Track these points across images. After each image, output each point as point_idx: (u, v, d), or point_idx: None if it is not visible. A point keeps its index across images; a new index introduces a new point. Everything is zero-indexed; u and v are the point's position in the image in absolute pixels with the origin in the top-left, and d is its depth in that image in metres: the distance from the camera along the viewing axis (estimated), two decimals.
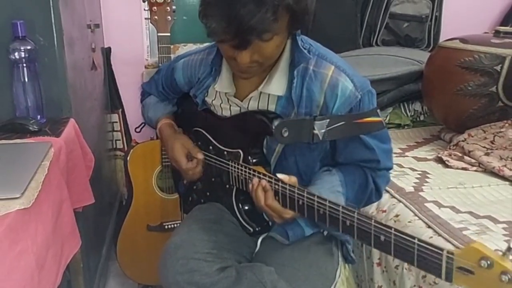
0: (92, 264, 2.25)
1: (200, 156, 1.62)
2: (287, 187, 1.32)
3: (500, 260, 0.90)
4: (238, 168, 1.50)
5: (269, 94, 1.45)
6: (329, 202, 1.22)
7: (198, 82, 1.62)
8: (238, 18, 1.16)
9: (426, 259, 1.02)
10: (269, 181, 1.37)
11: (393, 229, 1.08)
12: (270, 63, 1.40)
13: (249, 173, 1.45)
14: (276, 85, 1.42)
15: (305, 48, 1.41)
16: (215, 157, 1.61)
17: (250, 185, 1.43)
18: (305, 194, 1.28)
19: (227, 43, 1.28)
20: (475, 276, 0.94)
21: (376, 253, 1.91)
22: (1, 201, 1.09)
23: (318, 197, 1.25)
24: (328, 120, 1.35)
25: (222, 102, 1.56)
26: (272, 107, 1.47)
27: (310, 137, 1.36)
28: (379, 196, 1.58)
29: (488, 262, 0.91)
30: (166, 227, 2.45)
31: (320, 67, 1.41)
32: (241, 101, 1.51)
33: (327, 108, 1.40)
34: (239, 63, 1.31)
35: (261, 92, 1.46)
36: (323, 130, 1.35)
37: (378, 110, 1.45)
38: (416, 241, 1.04)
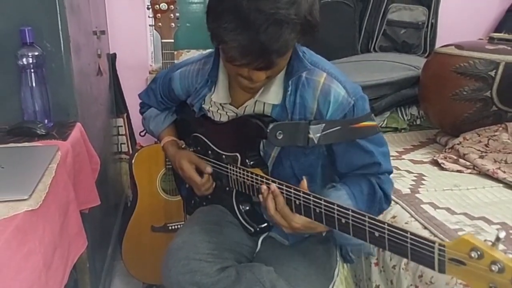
0: (98, 263, 2.26)
1: (209, 170, 1.60)
2: (284, 188, 1.32)
3: (490, 250, 0.91)
4: (236, 171, 1.50)
5: (264, 103, 1.44)
6: (325, 201, 1.22)
7: (195, 92, 1.61)
8: (260, 43, 1.13)
9: (419, 252, 1.02)
10: (266, 183, 1.36)
11: (386, 224, 1.09)
12: (278, 73, 1.38)
13: (247, 175, 1.45)
14: (273, 95, 1.41)
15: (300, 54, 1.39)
16: (214, 161, 1.61)
17: (260, 195, 1.40)
18: (302, 194, 1.27)
19: (249, 67, 1.24)
20: (467, 266, 0.94)
21: (374, 253, 1.91)
22: (9, 202, 1.10)
23: (314, 196, 1.25)
24: (323, 124, 1.34)
25: (218, 109, 1.56)
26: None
27: (305, 141, 1.35)
28: (388, 202, 1.54)
29: (478, 253, 0.92)
30: (169, 227, 2.45)
31: (313, 74, 1.39)
32: (237, 108, 1.50)
33: (321, 115, 1.38)
34: (254, 81, 1.29)
35: (256, 101, 1.45)
36: (318, 134, 1.34)
37: (372, 115, 1.44)
38: (408, 235, 1.04)
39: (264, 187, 1.37)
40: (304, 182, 1.31)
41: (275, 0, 1.12)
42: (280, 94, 1.42)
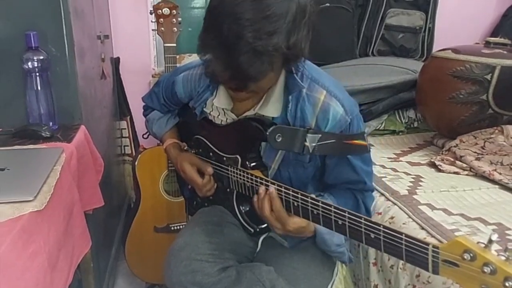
0: (102, 263, 2.26)
1: (210, 170, 1.59)
2: (283, 190, 1.32)
3: (482, 252, 0.91)
4: (237, 173, 1.50)
5: (263, 115, 1.44)
6: (322, 203, 1.23)
7: (197, 95, 1.61)
8: (236, 65, 1.13)
9: (414, 253, 1.03)
10: (265, 184, 1.37)
11: (381, 226, 1.09)
12: (265, 91, 1.38)
13: (248, 177, 1.45)
14: (272, 108, 1.41)
15: (298, 71, 1.38)
16: (215, 163, 1.61)
17: (255, 197, 1.40)
18: (300, 196, 1.28)
19: (225, 85, 1.27)
20: (460, 268, 0.95)
21: (372, 253, 1.91)
22: (15, 204, 1.10)
23: (312, 198, 1.25)
24: (320, 135, 1.35)
25: (219, 114, 1.56)
26: None
27: (301, 148, 1.36)
28: (369, 216, 1.55)
29: (471, 255, 0.92)
30: (172, 228, 2.46)
31: (313, 91, 1.40)
32: (237, 117, 1.51)
33: (319, 130, 1.39)
34: (235, 95, 1.33)
35: (256, 113, 1.45)
36: (314, 144, 1.34)
37: (365, 135, 1.45)
38: (403, 236, 1.05)
39: (262, 187, 1.38)
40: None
41: (255, 28, 1.10)
42: (279, 108, 1.42)
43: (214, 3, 1.19)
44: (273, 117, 1.44)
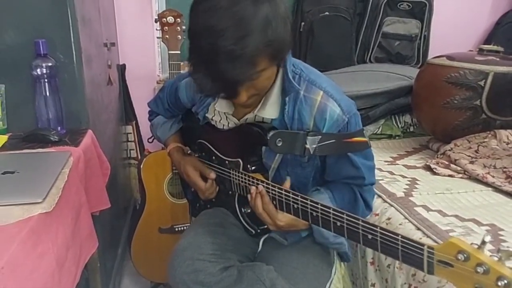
0: (108, 263, 2.26)
1: (213, 175, 1.60)
2: (283, 192, 1.33)
3: (476, 253, 0.92)
4: (238, 176, 1.51)
5: (263, 117, 1.45)
6: (321, 205, 1.24)
7: (199, 100, 1.61)
8: (220, 74, 1.15)
9: (409, 254, 1.03)
10: (266, 187, 1.38)
11: (378, 227, 1.10)
12: (266, 90, 1.38)
13: (249, 180, 1.45)
14: (270, 110, 1.42)
15: (296, 74, 1.40)
16: (218, 166, 1.61)
17: (249, 195, 1.43)
18: (300, 199, 1.29)
19: (218, 96, 1.30)
20: (454, 268, 0.95)
21: (369, 252, 1.91)
22: (24, 205, 1.10)
23: (311, 200, 1.26)
24: (320, 136, 1.35)
25: (221, 119, 1.56)
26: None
27: (302, 151, 1.36)
28: (369, 209, 1.55)
29: (465, 255, 0.93)
30: (176, 229, 2.46)
31: (310, 92, 1.39)
32: (238, 120, 1.51)
33: (318, 130, 1.39)
34: (238, 102, 1.31)
35: (256, 115, 1.45)
36: (314, 145, 1.35)
37: (364, 131, 1.45)
38: (399, 237, 1.05)
39: (253, 187, 1.41)
40: (288, 182, 1.39)
41: (228, 36, 1.11)
42: (277, 110, 1.42)
43: (190, 24, 1.21)
44: (271, 120, 1.44)
